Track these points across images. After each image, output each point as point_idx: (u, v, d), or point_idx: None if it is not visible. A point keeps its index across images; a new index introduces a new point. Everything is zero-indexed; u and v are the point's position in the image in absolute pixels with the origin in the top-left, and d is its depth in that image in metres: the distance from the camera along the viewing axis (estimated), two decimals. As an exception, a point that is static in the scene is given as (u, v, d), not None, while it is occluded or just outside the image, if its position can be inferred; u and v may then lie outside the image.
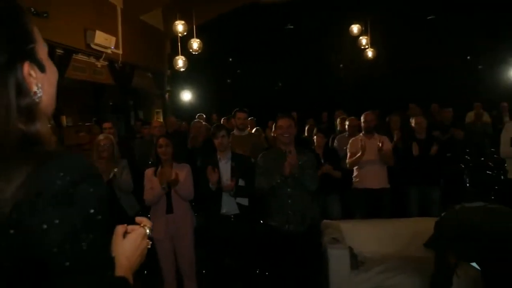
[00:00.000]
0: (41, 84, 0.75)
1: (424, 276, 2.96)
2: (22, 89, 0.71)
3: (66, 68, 7.24)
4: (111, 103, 11.47)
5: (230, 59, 13.23)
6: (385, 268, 3.23)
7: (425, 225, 3.56)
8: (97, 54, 8.02)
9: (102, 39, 7.75)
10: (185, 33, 8.31)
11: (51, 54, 6.92)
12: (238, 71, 13.20)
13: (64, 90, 7.09)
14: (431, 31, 10.55)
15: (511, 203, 3.75)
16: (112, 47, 8.21)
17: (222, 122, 7.25)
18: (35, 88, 0.74)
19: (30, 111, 0.71)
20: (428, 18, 9.89)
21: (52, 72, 0.79)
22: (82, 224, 0.66)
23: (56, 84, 0.81)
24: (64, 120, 6.96)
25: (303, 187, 3.18)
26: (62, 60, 7.15)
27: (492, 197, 4.97)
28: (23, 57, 0.73)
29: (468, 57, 11.99)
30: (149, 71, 10.78)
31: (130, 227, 0.92)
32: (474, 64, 11.84)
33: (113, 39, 8.21)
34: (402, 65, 11.21)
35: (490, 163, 5.94)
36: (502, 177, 5.21)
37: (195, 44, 8.46)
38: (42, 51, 0.78)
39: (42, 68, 0.76)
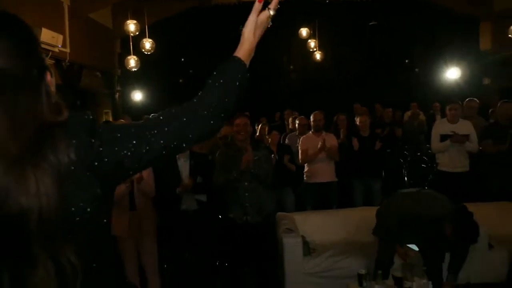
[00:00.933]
0: (51, 85, 0.93)
1: (368, 258, 3.31)
2: (49, 92, 0.89)
3: (10, 66, 6.94)
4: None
5: (182, 59, 13.19)
6: (334, 253, 3.56)
7: (369, 213, 3.94)
8: (43, 53, 7.73)
9: (49, 37, 7.49)
10: (137, 33, 8.24)
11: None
12: (191, 71, 13.21)
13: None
14: (373, 35, 11.29)
15: (441, 191, 4.26)
16: (59, 46, 7.96)
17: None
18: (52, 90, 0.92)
19: (58, 106, 0.88)
20: (370, 23, 10.57)
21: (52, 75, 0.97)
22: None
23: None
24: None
25: (259, 181, 3.42)
26: (5, 58, 6.85)
27: (426, 187, 5.53)
28: (45, 68, 0.91)
29: (406, 61, 12.92)
30: (98, 70, 10.50)
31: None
32: (411, 67, 12.80)
33: (61, 37, 7.95)
34: (347, 67, 11.85)
35: (425, 158, 6.57)
36: (434, 169, 5.81)
37: (148, 44, 8.43)
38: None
39: (51, 74, 0.94)
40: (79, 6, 8.83)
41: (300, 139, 4.85)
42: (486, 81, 11.40)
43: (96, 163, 0.88)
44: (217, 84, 1.09)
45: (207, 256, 3.60)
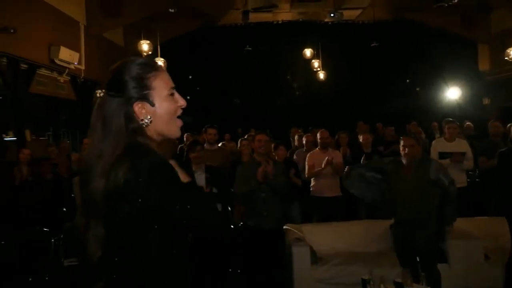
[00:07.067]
0: (151, 114, 1.22)
1: (371, 266, 3.53)
2: (131, 118, 1.21)
3: (30, 82, 7.31)
4: (64, 118, 11.36)
5: (190, 77, 13.62)
6: (339, 262, 3.80)
7: (371, 226, 4.21)
8: (61, 70, 8.12)
9: (66, 55, 7.88)
10: (150, 52, 8.64)
11: (15, 69, 6.89)
12: (198, 88, 13.61)
13: (26, 104, 7.10)
14: (375, 56, 11.69)
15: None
16: (76, 63, 8.34)
17: (185, 138, 7.63)
18: (142, 117, 1.21)
19: (137, 131, 1.20)
20: (372, 45, 10.98)
21: (162, 106, 1.24)
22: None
23: (171, 112, 1.27)
24: (28, 134, 6.99)
25: (275, 192, 3.72)
26: (26, 75, 7.22)
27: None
28: (135, 100, 1.21)
29: (407, 81, 13.29)
30: (110, 86, 10.86)
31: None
32: (412, 87, 13.16)
33: (77, 55, 8.35)
34: (350, 87, 12.23)
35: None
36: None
37: (160, 63, 8.79)
38: (158, 93, 1.25)
39: (152, 104, 1.23)
40: (94, 26, 9.27)
41: (307, 155, 5.14)
42: (486, 101, 11.74)
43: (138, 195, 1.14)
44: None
45: (221, 262, 3.83)
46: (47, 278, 3.73)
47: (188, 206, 1.16)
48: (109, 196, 1.13)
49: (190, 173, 3.90)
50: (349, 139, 5.98)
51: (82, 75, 8.89)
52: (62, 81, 8.41)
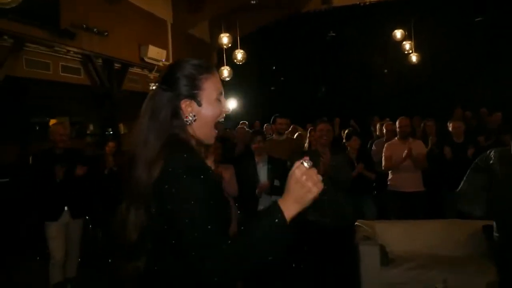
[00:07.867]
0: (196, 113, 1.26)
1: (453, 273, 3.06)
2: (177, 114, 1.25)
3: (122, 80, 7.99)
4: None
5: (274, 67, 13.55)
6: (415, 265, 3.36)
7: (458, 226, 3.65)
8: (150, 67, 8.72)
9: (155, 53, 8.42)
10: (229, 45, 8.78)
11: (110, 69, 7.50)
12: (282, 78, 13.49)
13: (120, 101, 7.73)
14: (480, 33, 10.22)
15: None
16: (163, 60, 8.87)
17: (265, 128, 7.59)
18: (187, 115, 1.25)
19: (179, 127, 1.24)
20: (476, 20, 9.58)
21: (208, 108, 1.27)
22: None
23: (215, 116, 1.30)
24: (122, 127, 7.65)
25: (337, 185, 3.43)
26: (119, 74, 7.90)
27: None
28: (183, 97, 1.25)
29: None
30: (197, 81, 11.36)
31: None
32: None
33: (164, 52, 8.87)
34: (448, 70, 10.93)
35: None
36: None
37: (239, 54, 8.91)
38: (207, 95, 1.27)
39: (199, 104, 1.26)
40: (180, 23, 9.74)
41: (385, 145, 4.67)
42: None
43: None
44: (245, 240, 1.06)
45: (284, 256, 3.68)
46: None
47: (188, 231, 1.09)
48: (148, 187, 1.16)
49: (253, 165, 3.81)
50: (438, 127, 5.29)
51: (170, 71, 9.44)
52: (151, 77, 9.02)
